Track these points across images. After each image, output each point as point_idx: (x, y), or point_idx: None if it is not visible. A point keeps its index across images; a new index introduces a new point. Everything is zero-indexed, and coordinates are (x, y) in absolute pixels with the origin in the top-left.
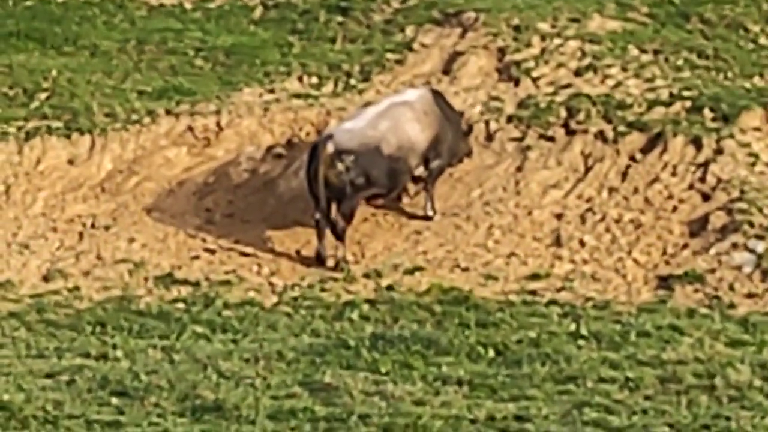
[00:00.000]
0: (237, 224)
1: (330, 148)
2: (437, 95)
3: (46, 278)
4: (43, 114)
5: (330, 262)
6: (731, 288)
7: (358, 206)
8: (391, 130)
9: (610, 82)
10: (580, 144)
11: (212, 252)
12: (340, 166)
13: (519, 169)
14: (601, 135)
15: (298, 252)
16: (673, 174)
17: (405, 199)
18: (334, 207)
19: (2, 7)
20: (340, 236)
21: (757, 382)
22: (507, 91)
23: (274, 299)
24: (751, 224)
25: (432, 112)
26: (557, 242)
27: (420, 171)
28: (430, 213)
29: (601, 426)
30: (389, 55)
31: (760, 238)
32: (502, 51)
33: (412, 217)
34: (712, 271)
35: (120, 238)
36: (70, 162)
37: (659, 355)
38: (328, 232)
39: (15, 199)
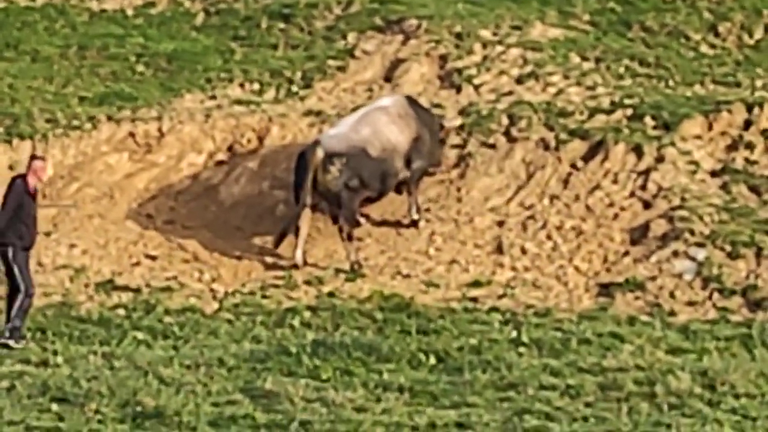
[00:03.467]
0: (178, 230)
1: (320, 153)
2: (411, 100)
3: None
4: None
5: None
6: (672, 296)
7: (358, 209)
8: (373, 134)
9: (552, 90)
10: (522, 151)
11: (153, 258)
12: (333, 170)
13: (461, 176)
14: (542, 142)
15: (239, 258)
16: (615, 182)
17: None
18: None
19: None
20: (349, 238)
21: (698, 390)
22: (449, 98)
23: (215, 306)
24: (692, 232)
25: (407, 115)
26: (499, 249)
27: (404, 174)
28: (415, 217)
29: None
30: (331, 62)
31: (700, 245)
32: (443, 58)
33: (396, 224)
34: (653, 278)
35: (61, 244)
36: (11, 168)
37: (600, 363)
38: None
39: None
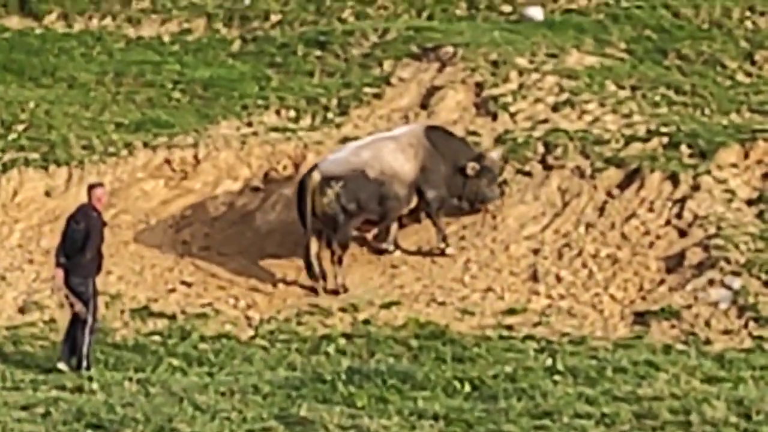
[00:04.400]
0: (214, 257)
1: (316, 177)
2: (435, 131)
3: (22, 310)
4: (20, 146)
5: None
6: (707, 324)
7: (352, 233)
8: (374, 157)
9: (588, 118)
10: (558, 179)
11: (189, 285)
12: (330, 193)
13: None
14: (578, 170)
15: (274, 285)
16: (650, 210)
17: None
18: (316, 244)
19: None
20: (339, 262)
21: (733, 419)
22: (485, 125)
23: (251, 332)
24: (728, 260)
25: (419, 145)
26: (534, 277)
27: (414, 202)
28: (441, 246)
29: None
30: (367, 89)
31: (736, 274)
32: (479, 86)
33: (425, 253)
34: (689, 307)
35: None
36: (47, 194)
37: (635, 391)
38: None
39: None
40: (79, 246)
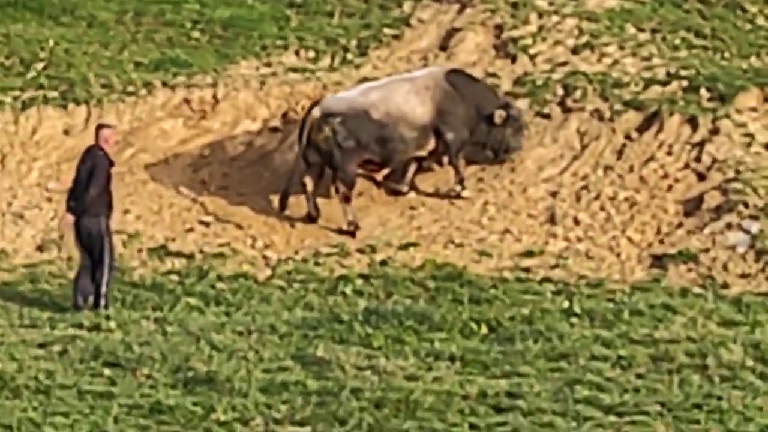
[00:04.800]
0: (232, 197)
1: (316, 112)
2: (457, 75)
3: (40, 248)
4: (39, 84)
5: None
6: (725, 268)
7: (355, 171)
8: (382, 98)
9: (607, 61)
10: (576, 122)
11: (206, 224)
12: (326, 130)
13: None
14: (597, 113)
15: (292, 225)
16: (669, 153)
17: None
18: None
19: None
20: (345, 200)
21: (749, 362)
22: (504, 68)
23: (268, 273)
24: (746, 204)
25: (437, 87)
26: (551, 220)
27: (431, 146)
28: (457, 188)
29: (593, 404)
30: (386, 30)
31: (754, 218)
32: (499, 28)
33: (442, 195)
34: (706, 250)
35: (114, 210)
36: (66, 132)
37: (652, 334)
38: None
39: (10, 169)
40: (85, 185)
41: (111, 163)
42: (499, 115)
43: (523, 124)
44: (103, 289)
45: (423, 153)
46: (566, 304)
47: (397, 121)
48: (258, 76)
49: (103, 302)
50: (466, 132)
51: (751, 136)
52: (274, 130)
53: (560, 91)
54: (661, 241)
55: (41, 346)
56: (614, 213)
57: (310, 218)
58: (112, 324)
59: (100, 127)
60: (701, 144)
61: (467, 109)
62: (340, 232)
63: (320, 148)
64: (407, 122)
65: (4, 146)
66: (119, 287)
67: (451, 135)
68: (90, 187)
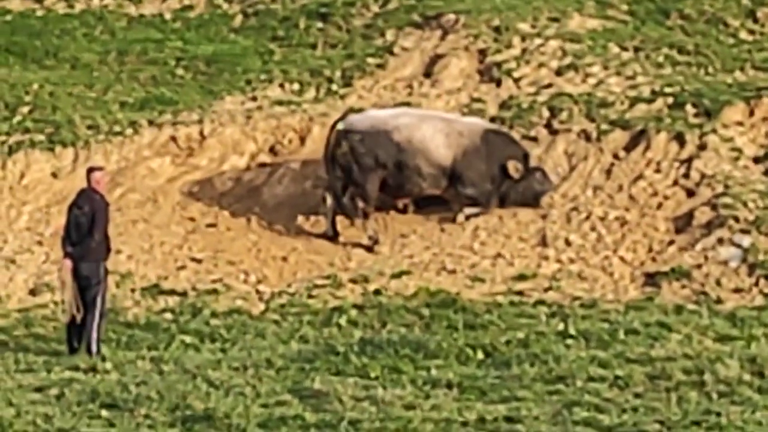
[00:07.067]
0: (222, 233)
1: (339, 127)
2: (497, 135)
3: (33, 292)
4: (25, 128)
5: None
6: (718, 283)
7: (375, 188)
8: (409, 126)
9: (592, 81)
10: (564, 143)
11: (198, 261)
12: (344, 145)
13: None
14: (584, 134)
15: (284, 259)
16: (657, 171)
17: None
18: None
19: None
20: (364, 215)
21: (747, 377)
22: (489, 92)
23: (262, 307)
24: (736, 219)
25: (469, 139)
26: (543, 242)
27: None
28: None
29: (592, 425)
30: (370, 60)
31: (745, 232)
32: (482, 52)
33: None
34: (699, 266)
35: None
36: (54, 175)
37: (648, 353)
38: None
39: (0, 214)
40: (86, 230)
41: (107, 205)
42: (514, 166)
43: (547, 180)
44: (94, 335)
45: (437, 192)
46: (561, 326)
47: (418, 153)
48: (244, 110)
49: (95, 347)
50: (489, 186)
51: (738, 150)
52: (262, 164)
53: (546, 113)
54: (654, 259)
55: (38, 390)
56: (605, 233)
57: (329, 237)
58: (108, 365)
59: (91, 170)
60: (689, 160)
61: (490, 167)
62: (360, 247)
63: (339, 163)
64: (429, 159)
65: None
66: (114, 328)
67: (470, 190)
68: (94, 233)
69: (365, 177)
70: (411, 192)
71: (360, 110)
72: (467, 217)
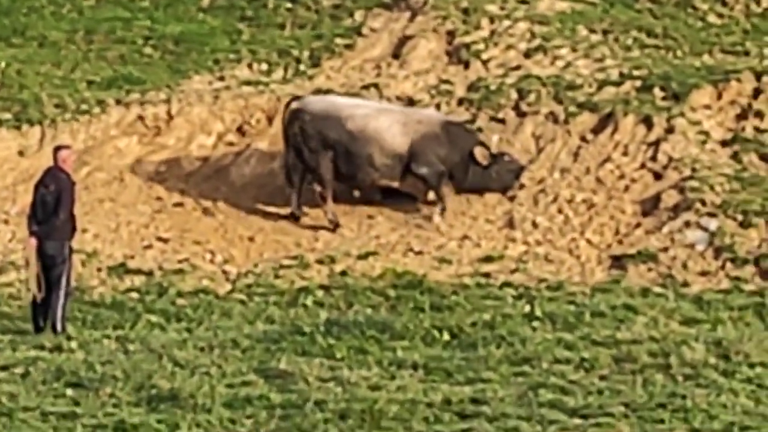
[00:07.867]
0: (189, 213)
1: (293, 105)
2: (456, 125)
3: None
4: None
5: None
6: (684, 266)
7: (328, 172)
8: (365, 117)
9: (560, 63)
10: (531, 125)
11: (165, 241)
12: (295, 125)
13: None
14: (551, 116)
15: (251, 239)
16: (625, 153)
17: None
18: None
19: None
20: (321, 198)
21: (712, 360)
22: (457, 74)
23: (228, 287)
24: (703, 202)
25: (428, 126)
26: (510, 224)
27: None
28: (436, 218)
29: (557, 407)
30: (338, 40)
31: (712, 215)
32: (451, 34)
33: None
34: (665, 249)
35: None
36: (21, 153)
37: (614, 335)
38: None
39: None
40: (52, 209)
41: (73, 184)
42: (481, 152)
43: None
44: (59, 314)
45: (392, 183)
46: (527, 308)
47: (371, 142)
48: (211, 90)
49: (60, 326)
50: (442, 167)
51: (706, 133)
52: (230, 144)
53: (514, 96)
54: (620, 242)
55: (3, 368)
56: (572, 215)
57: (294, 217)
58: (74, 344)
59: (57, 148)
60: (657, 143)
61: (451, 153)
62: (324, 228)
63: (292, 143)
64: (382, 147)
65: None
66: (79, 307)
67: (424, 170)
68: (59, 212)
69: (316, 160)
70: (363, 182)
71: (327, 92)
72: (441, 213)
